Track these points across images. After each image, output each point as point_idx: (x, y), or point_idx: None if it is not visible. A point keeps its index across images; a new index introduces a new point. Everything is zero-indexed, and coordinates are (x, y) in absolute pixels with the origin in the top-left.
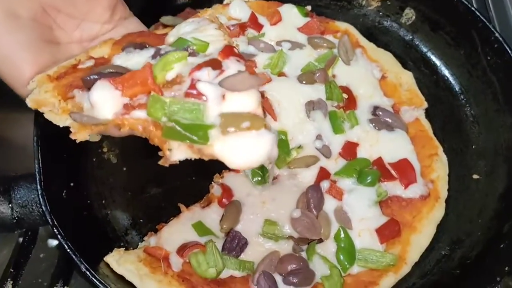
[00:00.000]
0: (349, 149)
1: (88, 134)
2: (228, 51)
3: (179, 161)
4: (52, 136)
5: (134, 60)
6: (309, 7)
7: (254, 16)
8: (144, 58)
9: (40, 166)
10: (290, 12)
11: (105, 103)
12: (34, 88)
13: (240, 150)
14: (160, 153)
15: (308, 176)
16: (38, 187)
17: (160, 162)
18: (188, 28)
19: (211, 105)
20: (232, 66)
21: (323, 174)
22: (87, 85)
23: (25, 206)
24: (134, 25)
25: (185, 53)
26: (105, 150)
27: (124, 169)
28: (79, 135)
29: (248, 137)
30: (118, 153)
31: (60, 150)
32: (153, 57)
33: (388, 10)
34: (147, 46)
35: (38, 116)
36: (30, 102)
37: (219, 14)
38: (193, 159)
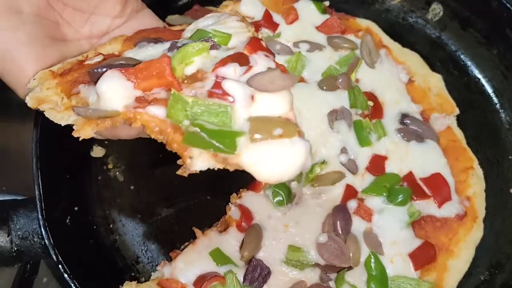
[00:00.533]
0: (377, 163)
1: (93, 130)
2: (255, 44)
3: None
4: (53, 155)
5: (148, 53)
6: (327, 3)
7: (268, 13)
8: (159, 51)
9: (41, 193)
10: (307, 9)
11: (114, 94)
12: (36, 86)
13: (271, 160)
14: (179, 162)
15: (333, 194)
16: (40, 216)
17: (179, 172)
18: (207, 22)
19: (238, 107)
20: (260, 62)
21: (350, 192)
22: (94, 78)
23: (26, 238)
24: (148, 18)
25: (206, 45)
26: (110, 166)
27: (132, 187)
28: (83, 132)
29: (280, 145)
30: (124, 170)
31: (62, 171)
32: (170, 49)
33: (413, 5)
34: (162, 40)
35: (38, 137)
36: (30, 101)
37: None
38: (211, 171)
